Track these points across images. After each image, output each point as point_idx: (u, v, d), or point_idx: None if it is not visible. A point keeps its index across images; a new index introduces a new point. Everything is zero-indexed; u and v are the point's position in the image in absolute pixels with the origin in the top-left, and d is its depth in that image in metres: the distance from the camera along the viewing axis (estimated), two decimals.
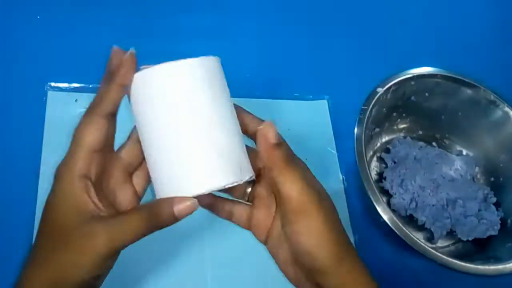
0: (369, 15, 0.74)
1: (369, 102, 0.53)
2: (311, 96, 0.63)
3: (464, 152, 0.62)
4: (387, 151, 0.61)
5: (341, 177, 0.58)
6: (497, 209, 0.57)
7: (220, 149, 0.31)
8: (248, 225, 0.36)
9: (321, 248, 0.30)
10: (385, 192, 0.58)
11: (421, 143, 0.62)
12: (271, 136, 0.31)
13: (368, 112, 0.52)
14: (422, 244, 0.47)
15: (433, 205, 0.55)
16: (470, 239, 0.55)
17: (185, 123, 0.30)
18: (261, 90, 0.61)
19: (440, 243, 0.57)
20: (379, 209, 0.48)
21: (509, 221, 0.56)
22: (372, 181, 0.49)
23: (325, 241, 0.30)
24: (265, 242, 0.35)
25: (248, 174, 0.32)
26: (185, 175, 0.31)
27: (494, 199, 0.57)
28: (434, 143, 0.63)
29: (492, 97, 0.57)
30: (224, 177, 0.31)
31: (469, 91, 0.58)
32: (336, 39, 0.69)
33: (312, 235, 0.30)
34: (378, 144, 0.62)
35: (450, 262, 0.47)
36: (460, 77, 0.58)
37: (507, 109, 0.57)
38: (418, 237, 0.48)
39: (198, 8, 0.66)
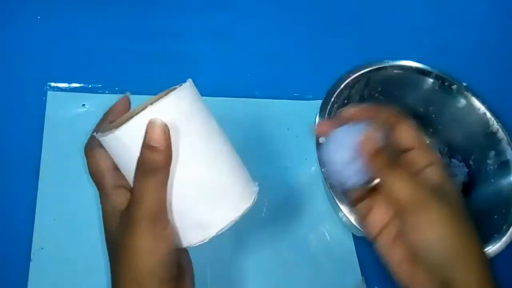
0: (370, 16, 0.74)
1: (331, 94, 0.53)
2: (311, 96, 0.63)
3: (428, 141, 0.62)
4: None
5: None
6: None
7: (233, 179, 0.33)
8: (363, 219, 0.36)
9: (443, 241, 0.30)
10: None
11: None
12: (368, 145, 0.32)
13: (330, 104, 0.53)
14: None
15: None
16: None
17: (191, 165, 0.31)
18: (261, 90, 0.61)
19: None
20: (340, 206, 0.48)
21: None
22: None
23: (447, 234, 0.30)
24: (374, 240, 0.35)
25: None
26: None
27: (459, 157, 0.58)
28: None
29: (456, 87, 0.57)
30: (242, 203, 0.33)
31: (431, 81, 0.58)
32: (336, 39, 0.69)
33: (433, 227, 0.30)
34: None
35: None
36: (425, 68, 0.57)
37: (470, 96, 0.57)
38: None
39: (198, 8, 0.66)
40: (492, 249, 0.49)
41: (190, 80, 0.33)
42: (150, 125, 0.29)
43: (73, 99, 0.55)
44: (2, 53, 0.56)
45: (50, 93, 0.54)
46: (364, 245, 0.55)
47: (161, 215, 0.30)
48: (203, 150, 0.31)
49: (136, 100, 0.56)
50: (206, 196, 0.32)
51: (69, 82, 0.56)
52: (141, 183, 0.30)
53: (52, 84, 0.55)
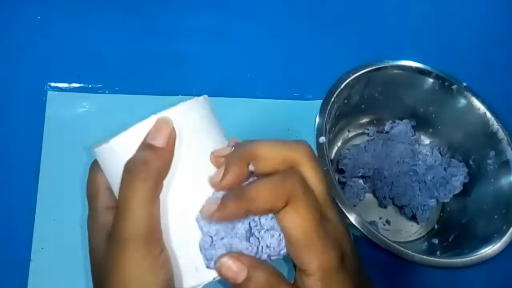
0: (370, 16, 0.74)
1: (331, 94, 0.54)
2: (311, 96, 0.63)
3: (428, 141, 0.62)
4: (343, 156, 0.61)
5: None
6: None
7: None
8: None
9: None
10: None
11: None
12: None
13: (330, 104, 0.53)
14: (382, 237, 0.47)
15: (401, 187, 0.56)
16: (451, 196, 0.57)
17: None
18: (261, 90, 0.61)
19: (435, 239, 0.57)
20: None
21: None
22: (335, 183, 0.48)
23: None
24: None
25: None
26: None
27: (459, 157, 0.59)
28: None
29: (456, 87, 0.57)
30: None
31: (431, 81, 0.58)
32: (336, 39, 0.69)
33: None
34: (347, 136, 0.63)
35: (409, 255, 0.47)
36: (425, 68, 0.57)
37: (470, 96, 0.57)
38: (408, 229, 0.49)
39: (198, 8, 0.66)
40: (492, 249, 0.49)
41: (205, 95, 0.30)
42: (157, 123, 0.25)
43: (73, 99, 0.55)
44: (2, 53, 0.56)
45: (50, 93, 0.54)
46: (364, 245, 0.55)
47: (154, 235, 0.24)
48: (206, 176, 0.27)
49: (135, 100, 0.56)
50: None
51: (69, 82, 0.56)
52: (127, 189, 0.24)
53: (52, 84, 0.55)
